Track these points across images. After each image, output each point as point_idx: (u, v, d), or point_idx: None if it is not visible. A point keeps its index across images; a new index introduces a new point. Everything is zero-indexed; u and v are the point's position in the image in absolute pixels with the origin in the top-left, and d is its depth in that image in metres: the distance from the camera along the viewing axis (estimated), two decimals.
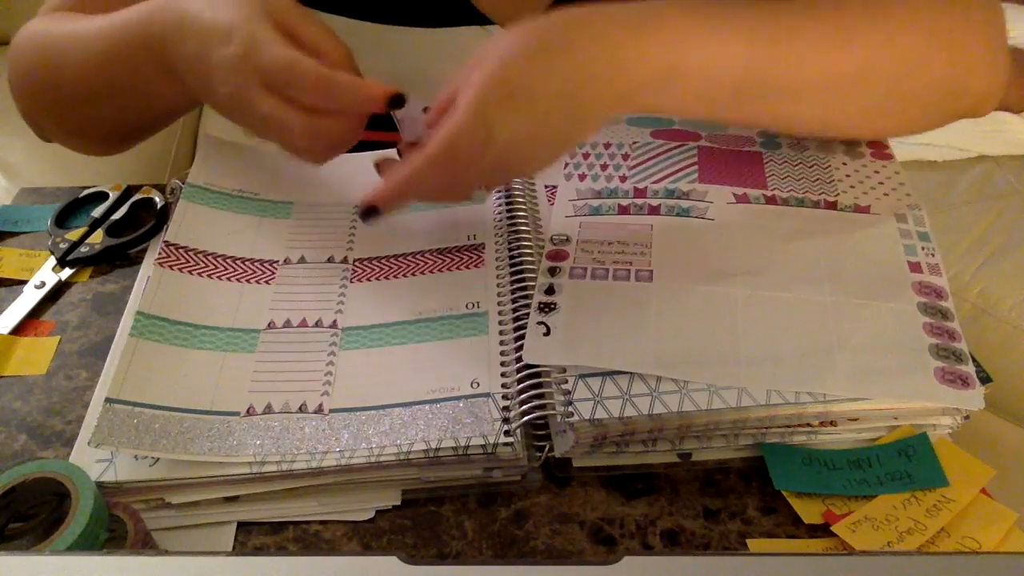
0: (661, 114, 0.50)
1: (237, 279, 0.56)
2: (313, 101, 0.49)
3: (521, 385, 0.49)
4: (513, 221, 0.59)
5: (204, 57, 0.50)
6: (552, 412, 0.47)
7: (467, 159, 0.46)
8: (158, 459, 0.47)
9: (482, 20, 0.68)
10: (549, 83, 0.45)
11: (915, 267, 0.54)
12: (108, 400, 0.48)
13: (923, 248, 0.55)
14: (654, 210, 0.58)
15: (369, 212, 0.48)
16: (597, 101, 0.47)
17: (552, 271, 0.54)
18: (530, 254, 0.56)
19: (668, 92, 0.49)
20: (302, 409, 0.49)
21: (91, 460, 0.47)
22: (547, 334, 0.50)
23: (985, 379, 0.48)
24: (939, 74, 0.54)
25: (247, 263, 0.57)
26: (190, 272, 0.55)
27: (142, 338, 0.51)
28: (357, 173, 0.65)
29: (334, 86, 0.49)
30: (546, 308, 0.52)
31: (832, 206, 0.58)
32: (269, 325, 0.53)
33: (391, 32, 0.69)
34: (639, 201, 0.59)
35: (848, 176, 0.61)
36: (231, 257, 0.57)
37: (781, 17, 0.50)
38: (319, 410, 0.49)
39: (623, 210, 0.58)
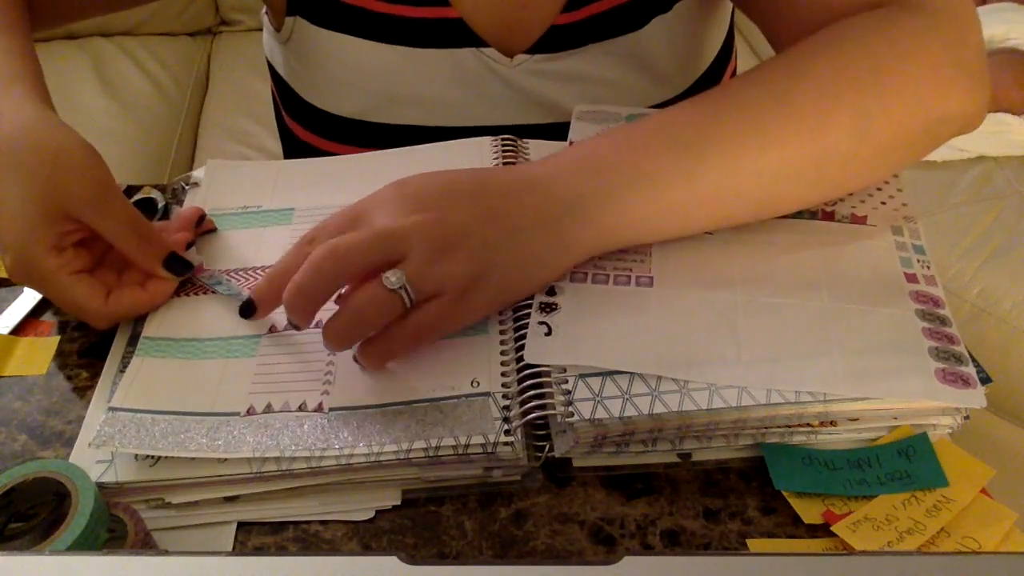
0: None
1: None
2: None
3: (521, 385, 0.49)
4: None
5: None
6: (552, 412, 0.47)
7: None
8: (158, 459, 0.47)
9: (476, 42, 0.69)
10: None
11: (911, 278, 0.54)
12: (111, 409, 0.48)
13: (918, 260, 0.55)
14: None
15: None
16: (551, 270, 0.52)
17: None
18: None
19: (618, 247, 0.54)
20: (302, 408, 0.49)
21: (91, 460, 0.47)
22: (548, 334, 0.50)
23: (985, 379, 0.48)
24: (901, 125, 0.54)
25: (250, 272, 0.57)
26: (195, 294, 0.56)
27: (147, 356, 0.52)
28: (356, 173, 0.65)
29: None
30: (547, 308, 0.52)
31: (830, 216, 0.58)
32: (270, 329, 0.53)
33: (388, 51, 0.69)
34: None
35: None
36: (234, 270, 0.57)
37: (713, 150, 0.51)
38: (319, 409, 0.49)
39: None
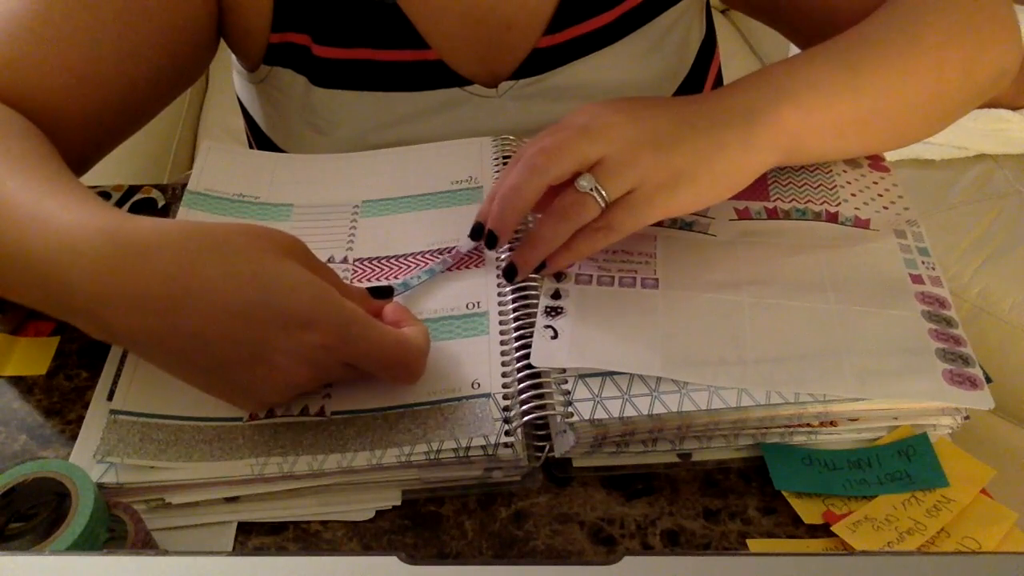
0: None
1: None
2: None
3: (521, 385, 0.49)
4: None
5: (247, 336, 0.43)
6: (552, 412, 0.47)
7: None
8: None
9: (458, 81, 0.68)
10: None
11: (916, 279, 0.54)
12: (112, 412, 0.48)
13: (923, 262, 0.55)
14: (657, 222, 0.58)
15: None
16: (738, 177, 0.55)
17: (557, 276, 0.54)
18: None
19: (796, 159, 0.60)
20: (304, 412, 0.49)
21: (91, 460, 0.47)
22: (554, 337, 0.50)
23: (986, 379, 0.48)
24: (982, 74, 0.61)
25: None
26: None
27: None
28: (355, 173, 0.65)
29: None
30: (552, 312, 0.52)
31: (833, 218, 0.58)
32: None
33: (366, 98, 0.68)
34: None
35: (849, 183, 0.61)
36: None
37: (864, 78, 0.57)
38: (321, 413, 0.49)
39: None
